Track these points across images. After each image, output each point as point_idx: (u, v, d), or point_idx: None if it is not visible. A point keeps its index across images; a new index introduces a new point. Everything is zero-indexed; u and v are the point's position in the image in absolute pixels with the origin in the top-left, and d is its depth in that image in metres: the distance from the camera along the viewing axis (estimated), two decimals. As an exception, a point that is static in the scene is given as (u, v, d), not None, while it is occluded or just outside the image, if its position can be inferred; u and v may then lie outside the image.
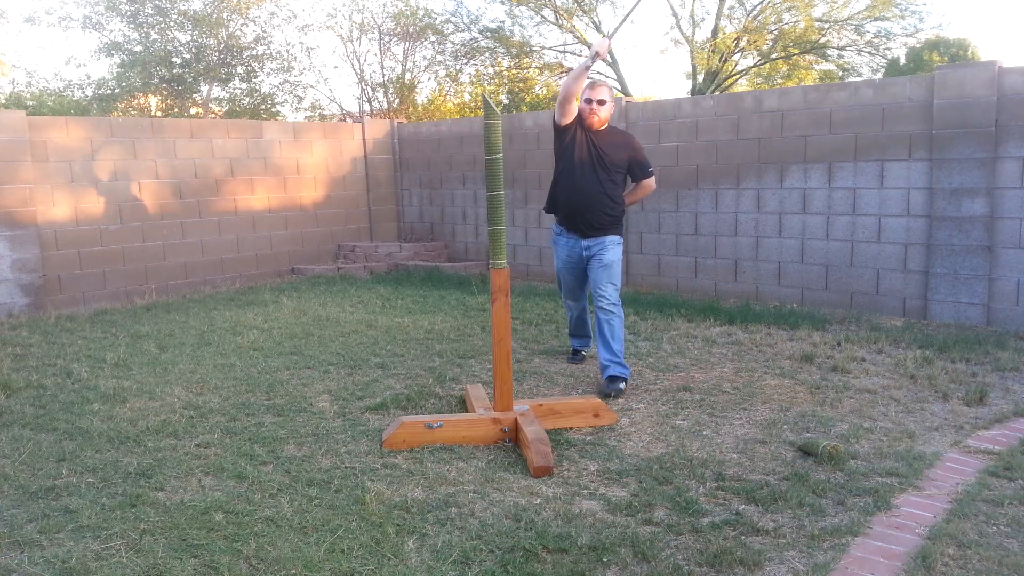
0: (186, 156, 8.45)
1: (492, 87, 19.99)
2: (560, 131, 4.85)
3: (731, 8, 20.12)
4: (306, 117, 18.00)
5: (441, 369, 5.10)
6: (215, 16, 16.14)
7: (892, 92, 6.37)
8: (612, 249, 4.88)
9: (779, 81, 21.50)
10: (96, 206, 7.80)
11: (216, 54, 16.49)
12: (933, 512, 2.94)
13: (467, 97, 18.99)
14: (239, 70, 17.04)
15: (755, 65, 21.27)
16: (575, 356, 5.31)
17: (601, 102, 4.78)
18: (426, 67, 18.13)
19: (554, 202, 5.01)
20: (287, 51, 20.07)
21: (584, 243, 4.91)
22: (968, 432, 3.80)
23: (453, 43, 19.19)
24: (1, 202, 7.12)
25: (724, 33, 20.08)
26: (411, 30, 16.74)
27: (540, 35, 32.29)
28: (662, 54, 38.34)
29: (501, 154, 3.71)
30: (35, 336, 6.27)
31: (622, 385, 4.55)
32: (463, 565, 2.63)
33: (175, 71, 16.19)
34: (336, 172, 9.87)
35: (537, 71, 21.02)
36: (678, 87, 43.84)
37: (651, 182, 5.04)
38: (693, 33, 20.66)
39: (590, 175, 4.82)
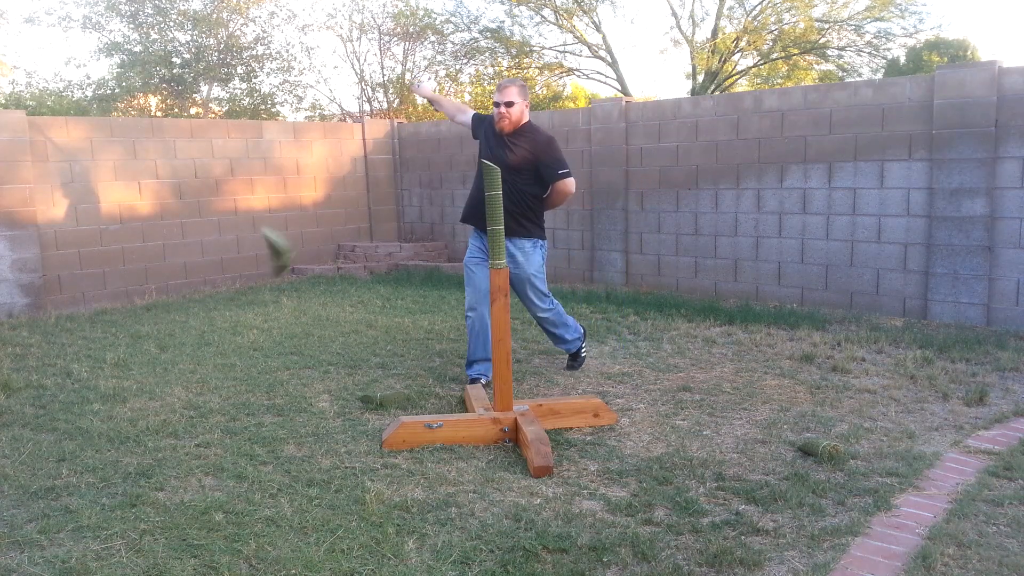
0: (186, 156, 8.45)
1: (492, 87, 19.98)
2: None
3: (731, 8, 20.14)
4: (306, 117, 18.01)
5: (441, 369, 5.10)
6: (215, 16, 16.14)
7: (892, 92, 6.37)
8: (522, 262, 4.62)
9: (779, 81, 21.51)
10: (96, 206, 7.80)
11: (216, 54, 16.49)
12: (933, 512, 2.94)
13: (467, 97, 18.99)
14: (239, 70, 17.04)
15: (755, 65, 21.29)
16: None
17: (509, 104, 4.51)
18: (426, 67, 18.14)
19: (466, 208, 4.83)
20: (287, 51, 20.08)
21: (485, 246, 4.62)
22: (968, 432, 3.80)
23: (453, 43, 19.20)
24: (1, 202, 7.12)
25: (724, 33, 20.09)
26: (411, 30, 16.75)
27: (540, 35, 32.31)
28: (662, 54, 38.46)
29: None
30: (35, 336, 6.27)
31: (583, 355, 5.04)
32: (463, 565, 2.63)
33: (175, 71, 16.19)
34: (336, 172, 9.87)
35: (537, 71, 21.03)
36: (678, 87, 43.86)
37: (564, 185, 4.61)
38: (693, 33, 20.69)
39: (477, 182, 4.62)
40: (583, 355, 5.03)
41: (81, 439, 3.87)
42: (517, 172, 4.57)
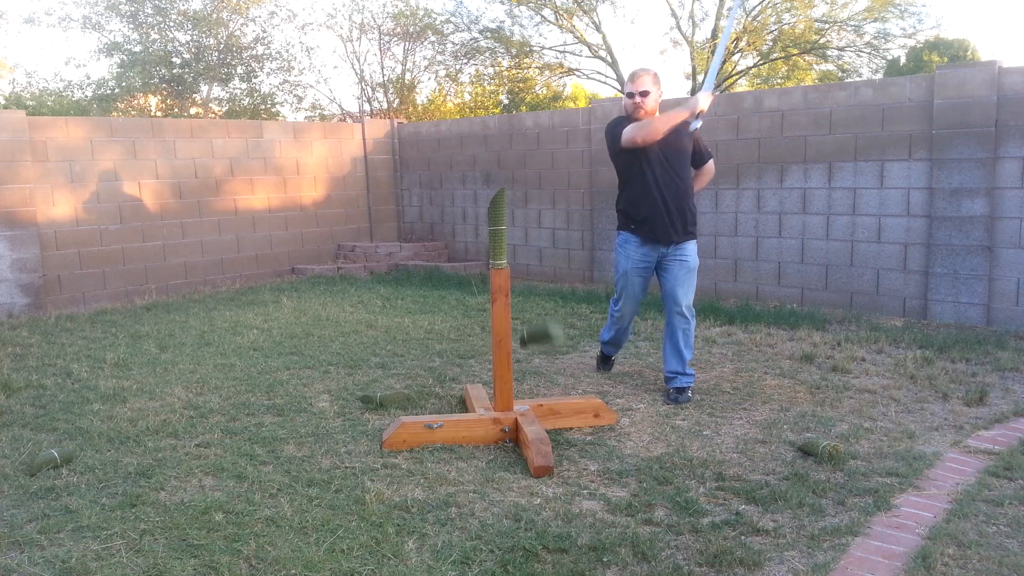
0: (186, 156, 8.45)
1: (492, 87, 19.99)
2: (621, 150, 4.44)
3: (730, 9, 20.11)
4: (306, 117, 18.00)
5: (441, 369, 5.10)
6: (215, 16, 16.13)
7: (892, 92, 6.37)
8: (693, 252, 4.49)
9: (778, 81, 21.51)
10: (96, 206, 7.80)
11: (216, 54, 16.49)
12: (933, 512, 2.94)
13: (467, 97, 18.99)
14: (239, 70, 17.03)
15: (755, 65, 21.29)
16: (607, 364, 5.02)
17: (644, 93, 4.32)
18: (426, 67, 18.13)
19: (630, 215, 4.51)
20: (287, 51, 20.06)
21: (664, 248, 4.47)
22: (968, 432, 3.80)
23: (453, 43, 19.19)
24: (1, 202, 7.12)
25: (724, 33, 20.06)
26: (411, 30, 16.73)
27: (540, 35, 32.30)
28: (662, 54, 38.51)
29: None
30: (35, 336, 6.27)
31: (690, 393, 4.42)
32: (463, 565, 2.63)
33: (175, 71, 16.18)
34: (336, 172, 9.87)
35: (537, 71, 21.02)
36: (678, 87, 43.80)
37: (712, 165, 4.69)
38: (693, 34, 20.70)
39: (666, 174, 4.38)
40: (689, 395, 4.43)
41: (81, 439, 3.87)
42: (686, 164, 4.48)
